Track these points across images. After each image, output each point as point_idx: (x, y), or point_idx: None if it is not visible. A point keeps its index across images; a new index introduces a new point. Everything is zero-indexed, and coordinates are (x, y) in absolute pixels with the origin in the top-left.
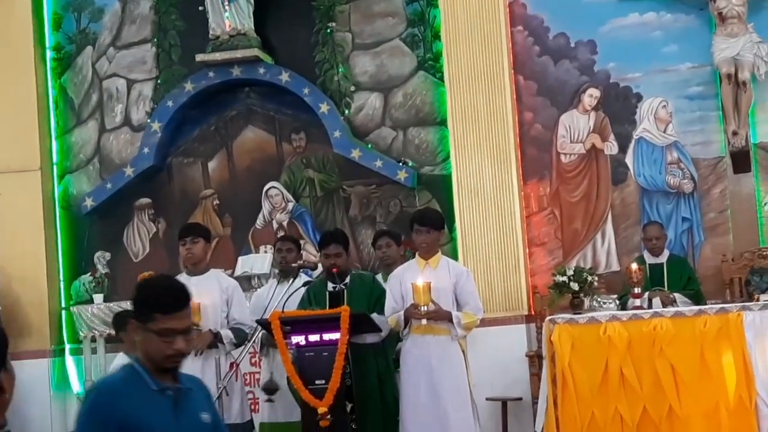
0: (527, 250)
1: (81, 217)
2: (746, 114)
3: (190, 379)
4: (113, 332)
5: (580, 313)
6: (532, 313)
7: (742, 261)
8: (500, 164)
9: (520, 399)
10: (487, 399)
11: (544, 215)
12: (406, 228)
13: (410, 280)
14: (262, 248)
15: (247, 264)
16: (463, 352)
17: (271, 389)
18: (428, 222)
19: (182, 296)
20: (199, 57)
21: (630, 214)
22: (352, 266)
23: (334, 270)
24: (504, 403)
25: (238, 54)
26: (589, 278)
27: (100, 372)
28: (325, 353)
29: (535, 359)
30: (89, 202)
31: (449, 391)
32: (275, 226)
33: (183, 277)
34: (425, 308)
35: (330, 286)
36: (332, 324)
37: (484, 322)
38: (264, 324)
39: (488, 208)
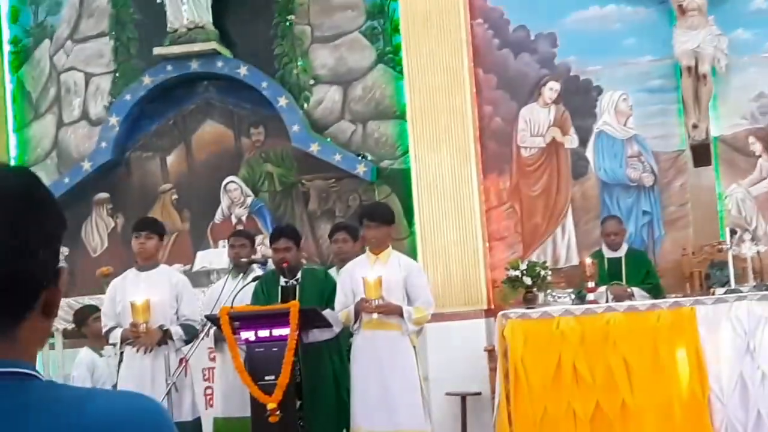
0: (487, 244)
1: None
2: (706, 107)
3: None
4: (72, 327)
5: (533, 308)
6: (492, 307)
7: (702, 255)
8: (460, 158)
9: (479, 394)
10: (446, 394)
11: (504, 209)
12: None
13: (360, 275)
14: (221, 243)
15: (206, 259)
16: (414, 347)
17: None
18: (378, 217)
19: None
20: (157, 50)
21: (590, 207)
22: (311, 260)
23: (285, 264)
24: (463, 398)
25: (196, 47)
26: (542, 272)
27: (58, 367)
28: (275, 349)
29: (494, 354)
30: None
31: (399, 386)
32: (234, 220)
33: (132, 273)
34: (376, 302)
35: (282, 281)
36: (282, 319)
37: (444, 317)
38: (213, 319)
39: (448, 203)
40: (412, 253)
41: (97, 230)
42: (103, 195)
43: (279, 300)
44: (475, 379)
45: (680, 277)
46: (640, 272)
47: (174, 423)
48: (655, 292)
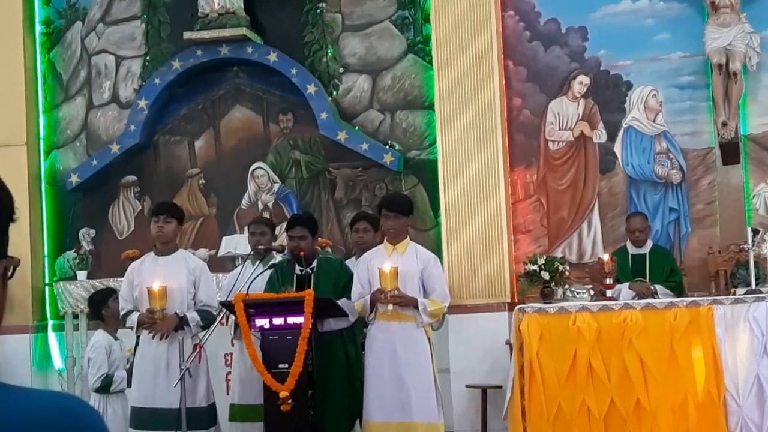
0: (512, 237)
1: (66, 193)
2: (736, 105)
3: None
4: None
5: (550, 303)
6: (515, 300)
7: (727, 254)
8: (487, 150)
9: (500, 387)
10: (467, 386)
11: (530, 202)
12: None
13: (377, 265)
14: (246, 229)
15: (231, 244)
16: (429, 339)
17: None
18: (396, 207)
19: None
20: (187, 35)
21: (617, 203)
22: (336, 249)
23: (302, 253)
24: (484, 390)
25: (227, 33)
26: (561, 267)
27: (81, 348)
28: (289, 337)
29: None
30: (75, 179)
31: (413, 378)
32: (260, 206)
33: (151, 257)
34: (391, 293)
35: (297, 269)
36: (297, 308)
37: (467, 309)
38: (228, 306)
39: (474, 194)
40: (437, 244)
41: (124, 213)
42: (131, 178)
43: (294, 288)
44: (497, 372)
45: (706, 275)
46: (664, 269)
47: (104, 424)
48: (679, 290)
